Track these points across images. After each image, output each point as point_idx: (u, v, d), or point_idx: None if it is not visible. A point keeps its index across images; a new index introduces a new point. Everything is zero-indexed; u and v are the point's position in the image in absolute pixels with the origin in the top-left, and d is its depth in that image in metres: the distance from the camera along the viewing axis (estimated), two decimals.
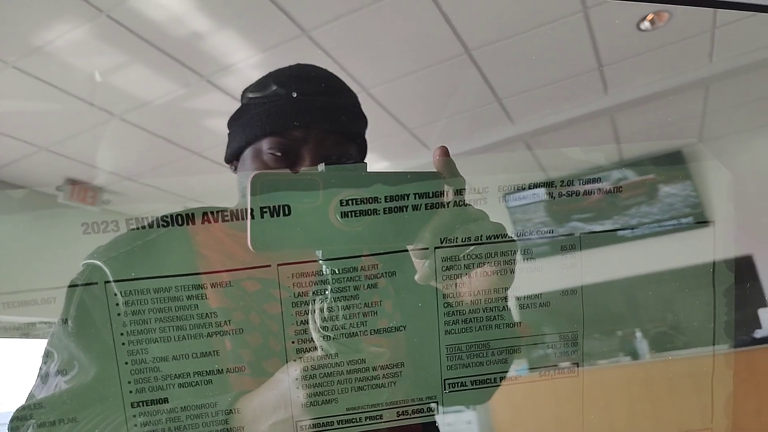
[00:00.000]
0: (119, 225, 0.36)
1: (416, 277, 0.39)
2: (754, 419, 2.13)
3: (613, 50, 2.16)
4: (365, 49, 2.06)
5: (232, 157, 0.61)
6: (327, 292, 0.39)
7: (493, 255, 0.39)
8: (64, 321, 0.47)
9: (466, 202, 0.38)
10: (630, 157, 3.15)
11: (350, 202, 0.37)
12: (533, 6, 1.93)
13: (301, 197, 0.37)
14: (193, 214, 0.43)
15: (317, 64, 0.63)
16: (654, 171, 3.11)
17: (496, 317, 0.41)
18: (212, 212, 0.41)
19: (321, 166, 0.38)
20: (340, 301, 0.39)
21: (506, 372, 0.43)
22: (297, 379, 0.39)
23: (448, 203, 0.38)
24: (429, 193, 0.38)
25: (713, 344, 0.44)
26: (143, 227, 0.44)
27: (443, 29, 1.96)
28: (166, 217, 0.42)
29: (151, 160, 2.71)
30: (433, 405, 0.41)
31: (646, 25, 2.07)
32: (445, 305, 0.40)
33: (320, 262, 0.39)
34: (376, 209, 0.37)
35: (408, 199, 0.38)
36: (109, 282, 0.42)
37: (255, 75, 0.60)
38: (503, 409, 2.77)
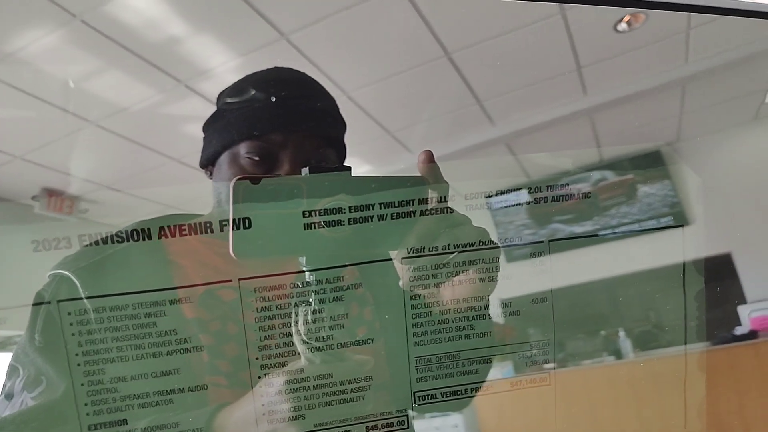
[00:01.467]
0: (71, 242, 0.35)
1: (400, 282, 0.39)
2: (736, 416, 2.16)
3: (591, 52, 2.18)
4: (345, 53, 2.05)
5: (208, 162, 0.61)
6: (311, 301, 0.39)
7: (475, 262, 0.39)
8: (31, 334, 0.45)
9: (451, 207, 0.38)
10: (600, 160, 3.18)
11: (334, 207, 0.36)
12: (511, 8, 1.94)
13: (284, 203, 0.36)
14: (149, 229, 0.41)
15: (296, 68, 0.62)
16: (625, 174, 3.15)
17: (466, 327, 0.40)
18: (170, 226, 0.40)
19: (304, 171, 0.37)
20: (325, 310, 0.39)
21: (478, 383, 0.42)
22: (279, 390, 0.38)
23: (432, 208, 0.38)
24: (414, 198, 0.37)
25: (685, 349, 0.44)
26: (97, 243, 0.42)
27: (422, 32, 1.96)
28: (121, 233, 0.40)
29: (129, 168, 2.67)
30: (403, 419, 0.40)
31: (623, 26, 2.09)
32: (413, 316, 0.40)
33: (304, 269, 0.38)
34: (360, 216, 0.36)
35: (392, 205, 0.37)
36: (72, 298, 0.40)
37: (234, 79, 0.59)
38: (489, 411, 2.77)
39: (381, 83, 2.24)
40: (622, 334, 2.99)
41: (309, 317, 0.37)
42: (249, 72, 0.62)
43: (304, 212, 0.34)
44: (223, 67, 2.05)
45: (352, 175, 0.37)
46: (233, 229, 0.34)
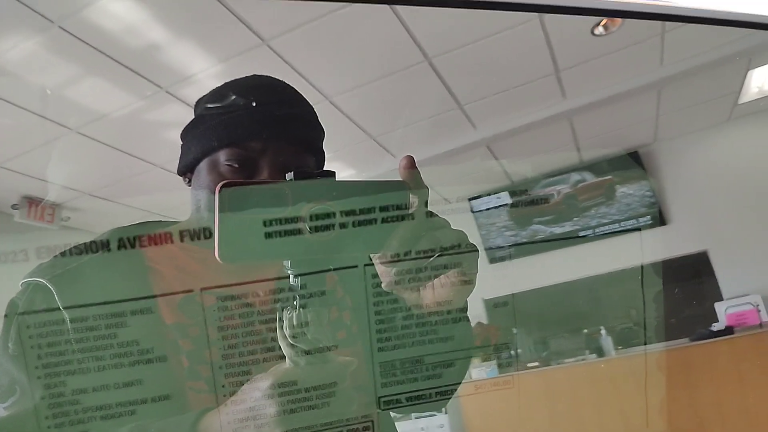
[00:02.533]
0: (28, 255, 0.35)
1: (383, 285, 0.39)
2: (714, 410, 2.20)
3: (569, 56, 2.21)
4: (326, 58, 2.06)
5: (186, 169, 0.59)
6: (296, 304, 0.39)
7: (454, 265, 0.40)
8: (4, 343, 0.45)
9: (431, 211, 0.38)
10: (579, 162, 3.23)
11: (319, 212, 0.36)
12: (490, 14, 1.97)
13: (269, 208, 0.36)
14: (108, 241, 0.42)
15: (278, 74, 0.62)
16: (602, 175, 3.21)
17: (430, 332, 0.41)
18: (129, 237, 0.41)
19: (289, 176, 0.38)
20: (310, 313, 0.39)
21: (443, 386, 0.42)
22: (266, 393, 0.39)
23: (413, 212, 0.39)
24: (396, 203, 0.38)
25: (645, 349, 0.45)
26: (68, 253, 0.43)
27: (403, 37, 1.98)
28: (79, 245, 0.41)
29: (111, 175, 2.65)
30: (368, 424, 0.41)
31: (600, 30, 2.13)
32: (377, 322, 0.41)
33: (289, 273, 0.38)
34: (345, 220, 0.37)
35: (376, 210, 0.38)
36: (35, 310, 0.41)
37: (215, 85, 0.60)
38: (475, 411, 2.79)
39: (363, 88, 2.25)
40: (587, 335, 3.00)
41: (294, 321, 0.37)
42: (230, 78, 0.62)
43: (288, 218, 0.35)
44: (205, 73, 2.05)
45: (336, 179, 0.38)
46: (217, 234, 0.35)
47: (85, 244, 0.48)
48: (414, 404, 0.41)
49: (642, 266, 0.45)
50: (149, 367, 0.40)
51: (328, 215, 0.37)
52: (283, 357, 0.39)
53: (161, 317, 0.47)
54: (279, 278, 0.39)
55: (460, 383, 0.45)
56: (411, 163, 0.39)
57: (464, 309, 0.43)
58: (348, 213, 0.37)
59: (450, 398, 0.44)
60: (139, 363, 0.39)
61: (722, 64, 2.33)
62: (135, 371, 0.39)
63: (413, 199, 0.39)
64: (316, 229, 0.36)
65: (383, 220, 0.38)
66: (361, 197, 0.38)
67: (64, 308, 0.44)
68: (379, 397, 0.39)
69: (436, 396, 0.41)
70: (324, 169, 0.60)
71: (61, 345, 0.37)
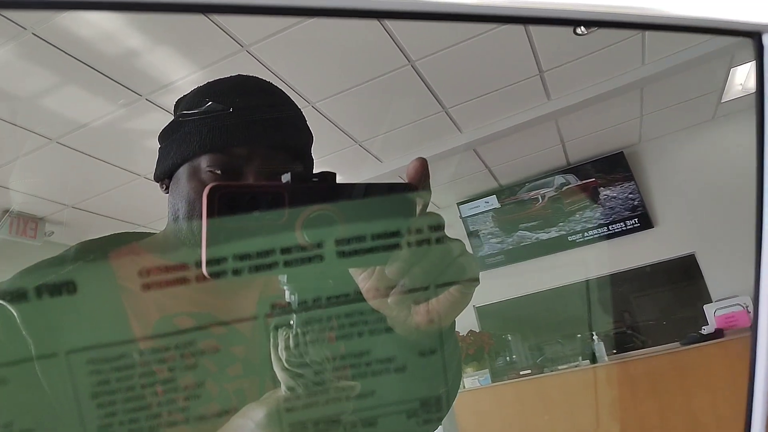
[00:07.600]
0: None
1: (370, 300, 0.35)
2: (709, 413, 2.16)
3: (552, 56, 2.20)
4: (309, 63, 2.03)
5: (164, 175, 0.54)
6: (292, 323, 0.34)
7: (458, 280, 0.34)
8: None
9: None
10: (566, 164, 3.21)
11: (320, 218, 0.31)
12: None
13: (263, 214, 0.31)
14: (74, 256, 0.38)
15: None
16: (588, 178, 3.19)
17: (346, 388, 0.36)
18: (98, 253, 0.37)
19: (285, 177, 0.33)
20: (308, 333, 0.34)
21: None
22: (259, 424, 0.34)
23: (427, 236, 0.33)
24: (405, 211, 0.33)
25: (594, 359, 0.42)
26: (26, 271, 0.39)
27: (386, 42, 1.96)
28: (43, 262, 0.37)
29: (95, 186, 2.61)
30: None
31: (581, 29, 2.11)
32: (289, 378, 0.35)
33: (284, 288, 0.33)
34: (347, 228, 0.32)
35: (384, 217, 0.33)
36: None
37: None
38: (469, 418, 2.75)
39: (346, 93, 2.23)
40: (536, 349, 2.96)
41: (291, 342, 0.33)
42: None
43: (285, 225, 0.30)
44: (185, 80, 2.03)
45: (338, 182, 0.33)
46: (207, 237, 0.29)
47: (49, 259, 0.44)
48: None
49: (587, 281, 0.41)
50: (122, 396, 0.36)
51: (329, 222, 0.31)
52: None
53: (135, 342, 0.42)
54: (299, 289, 0.33)
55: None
56: (424, 164, 0.34)
57: (452, 327, 0.38)
58: (352, 219, 0.32)
59: None
60: (114, 392, 0.35)
61: (704, 62, 2.32)
62: (106, 401, 0.35)
63: (420, 203, 0.34)
64: (314, 235, 0.31)
65: (392, 233, 0.32)
66: (367, 202, 0.33)
67: (27, 333, 0.40)
68: None
69: None
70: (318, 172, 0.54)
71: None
